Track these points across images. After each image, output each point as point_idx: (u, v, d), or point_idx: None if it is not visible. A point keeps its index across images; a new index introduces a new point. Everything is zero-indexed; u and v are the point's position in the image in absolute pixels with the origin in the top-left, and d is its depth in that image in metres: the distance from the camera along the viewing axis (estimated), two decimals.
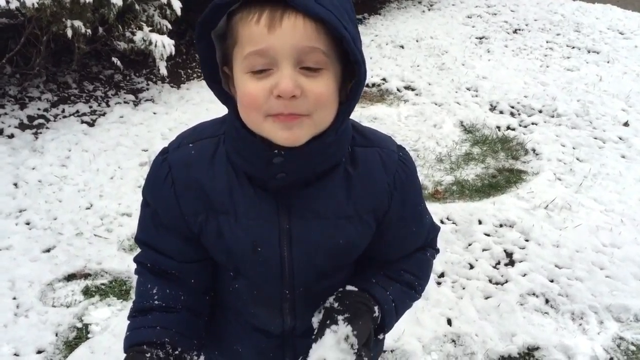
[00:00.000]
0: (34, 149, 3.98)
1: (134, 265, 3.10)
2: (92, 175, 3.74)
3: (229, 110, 1.08)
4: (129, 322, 1.22)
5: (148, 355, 1.09)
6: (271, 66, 0.94)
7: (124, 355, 1.13)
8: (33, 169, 3.75)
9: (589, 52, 6.34)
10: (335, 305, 1.15)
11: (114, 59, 4.68)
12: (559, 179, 3.95)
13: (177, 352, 1.13)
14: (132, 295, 2.84)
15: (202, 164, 1.12)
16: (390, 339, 2.61)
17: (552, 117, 4.87)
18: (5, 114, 4.41)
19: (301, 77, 0.95)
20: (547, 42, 6.56)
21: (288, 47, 0.92)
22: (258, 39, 0.93)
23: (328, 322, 1.11)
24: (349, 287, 1.20)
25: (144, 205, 1.23)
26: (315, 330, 1.12)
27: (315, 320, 1.15)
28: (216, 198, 1.12)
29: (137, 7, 4.67)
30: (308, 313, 1.19)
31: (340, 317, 1.11)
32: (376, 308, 1.18)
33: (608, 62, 6.08)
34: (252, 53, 0.94)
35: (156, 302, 1.20)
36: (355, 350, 1.06)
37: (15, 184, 3.61)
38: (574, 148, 4.37)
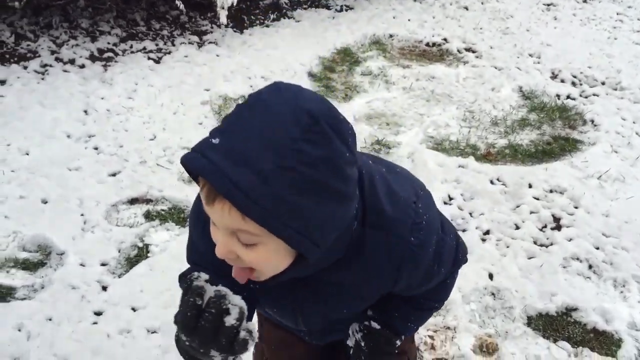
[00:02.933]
0: (103, 80, 4.16)
1: (192, 195, 3.25)
2: (156, 109, 3.90)
3: None
4: (183, 279, 1.27)
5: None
6: None
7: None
8: (102, 98, 3.93)
9: None
10: (362, 344, 1.36)
11: (178, 2, 4.79)
12: (615, 152, 3.91)
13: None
14: None
15: None
16: None
17: (615, 90, 4.77)
18: (77, 45, 4.61)
19: (236, 244, 0.95)
20: (617, 13, 6.34)
21: (221, 223, 0.93)
22: (203, 202, 0.93)
23: None
24: (374, 324, 1.35)
25: (190, 236, 1.32)
26: None
27: (349, 344, 1.40)
28: None
29: None
30: (324, 333, 1.48)
31: None
32: (398, 341, 1.38)
33: None
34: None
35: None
36: None
37: (85, 111, 3.81)
38: (634, 122, 4.29)
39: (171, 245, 2.86)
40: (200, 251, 1.25)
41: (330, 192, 0.91)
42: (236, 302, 0.91)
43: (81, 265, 2.73)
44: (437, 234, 1.21)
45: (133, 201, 3.15)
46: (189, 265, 1.34)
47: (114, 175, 3.29)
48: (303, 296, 1.22)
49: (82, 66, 4.34)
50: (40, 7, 4.84)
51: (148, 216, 3.06)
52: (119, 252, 2.82)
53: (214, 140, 0.88)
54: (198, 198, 1.25)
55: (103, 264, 2.75)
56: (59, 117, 3.69)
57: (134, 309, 2.53)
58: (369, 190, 1.06)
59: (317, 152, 0.88)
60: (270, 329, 1.70)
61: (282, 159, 0.85)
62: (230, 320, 0.89)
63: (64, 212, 2.99)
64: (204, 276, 0.95)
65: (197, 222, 1.23)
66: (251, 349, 0.94)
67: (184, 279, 1.34)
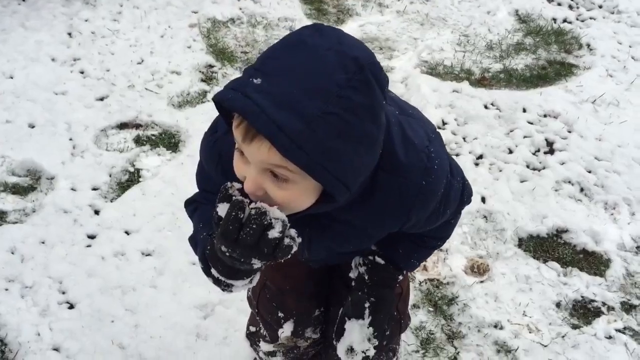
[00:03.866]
0: (87, 2, 4.00)
1: (182, 120, 3.21)
2: (143, 31, 3.78)
3: None
4: (195, 240, 1.26)
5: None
6: None
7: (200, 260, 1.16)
8: (86, 20, 3.80)
9: None
10: (366, 277, 1.40)
11: None
12: (610, 76, 3.86)
13: None
14: (181, 148, 2.98)
15: None
16: None
17: (612, 13, 4.66)
18: None
19: (267, 181, 0.94)
20: None
21: (256, 159, 0.92)
22: (237, 139, 0.93)
23: (355, 311, 1.40)
24: (378, 259, 1.39)
25: (201, 164, 1.31)
26: (347, 306, 1.44)
27: (352, 275, 1.43)
28: None
29: None
30: (325, 261, 1.50)
31: (366, 305, 1.39)
32: (400, 276, 1.43)
33: None
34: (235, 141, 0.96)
35: None
36: (376, 343, 1.39)
37: (70, 34, 3.69)
38: (630, 46, 4.22)
39: (163, 170, 2.84)
40: (215, 182, 1.23)
41: (366, 139, 0.93)
42: (277, 215, 0.93)
43: (72, 189, 2.70)
44: (446, 177, 1.23)
45: (122, 126, 3.10)
46: (189, 191, 1.38)
47: (101, 99, 3.22)
48: (312, 230, 1.24)
49: None
50: None
51: (138, 141, 3.01)
52: (110, 176, 2.79)
53: (255, 81, 0.88)
54: (211, 132, 1.24)
55: (94, 189, 2.73)
56: (42, 40, 3.57)
57: (127, 232, 2.54)
58: (385, 135, 1.05)
59: (360, 99, 0.89)
60: None
61: (327, 105, 0.86)
62: (274, 234, 0.92)
63: (52, 136, 2.94)
64: (237, 185, 0.98)
65: (211, 157, 1.23)
66: (294, 251, 0.97)
67: (192, 204, 1.36)
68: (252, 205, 0.93)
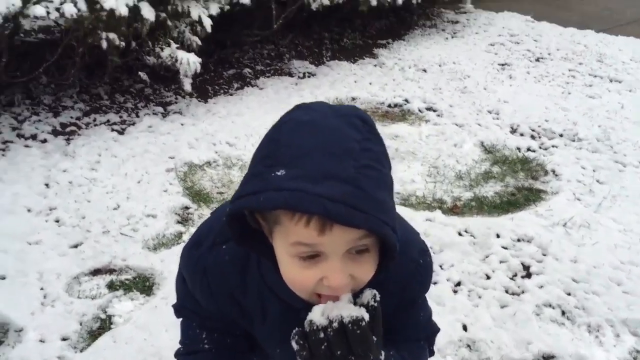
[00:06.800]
0: (66, 153, 4.12)
1: (157, 263, 3.18)
2: (120, 178, 3.86)
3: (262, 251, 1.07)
4: None
5: None
6: (320, 253, 0.95)
7: None
8: (64, 171, 3.88)
9: (611, 81, 6.38)
10: None
11: (141, 73, 4.87)
12: (578, 199, 3.97)
13: None
14: (155, 291, 2.93)
15: (235, 276, 1.18)
16: None
17: (573, 141, 4.91)
18: (40, 120, 4.59)
19: (349, 264, 0.96)
20: (569, 70, 6.61)
21: (339, 245, 0.93)
22: (308, 239, 0.92)
23: None
24: None
25: (181, 280, 1.31)
26: None
27: None
28: (248, 305, 1.21)
29: (169, 23, 4.86)
30: None
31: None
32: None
33: (630, 90, 6.11)
34: (299, 244, 0.94)
35: (206, 345, 1.31)
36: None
37: (47, 184, 3.74)
38: (594, 171, 4.39)
39: (135, 315, 2.76)
40: (198, 304, 1.27)
41: (392, 185, 0.98)
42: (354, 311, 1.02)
43: (40, 341, 2.60)
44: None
45: (96, 272, 3.05)
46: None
47: (75, 246, 3.21)
48: None
49: (44, 141, 4.31)
50: (2, 85, 4.84)
51: (111, 286, 2.96)
52: (81, 325, 2.71)
53: (279, 173, 0.88)
54: (195, 247, 1.24)
55: (64, 339, 2.63)
56: (19, 192, 3.61)
57: None
58: None
59: (379, 148, 0.95)
60: None
61: (359, 161, 0.89)
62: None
63: (22, 287, 2.88)
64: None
65: (195, 272, 1.22)
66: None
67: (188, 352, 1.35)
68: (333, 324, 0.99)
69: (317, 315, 1.01)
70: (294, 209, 0.86)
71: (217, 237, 1.21)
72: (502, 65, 6.71)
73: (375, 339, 1.04)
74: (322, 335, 0.98)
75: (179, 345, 1.38)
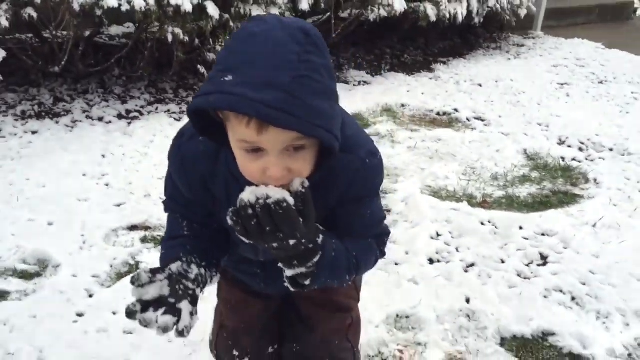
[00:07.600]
0: (125, 133, 4.51)
1: None
2: None
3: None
4: (162, 245, 1.51)
5: (183, 260, 1.33)
6: (262, 148, 1.09)
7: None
8: (120, 146, 4.26)
9: None
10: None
11: (199, 67, 5.22)
12: (614, 205, 3.91)
13: (203, 264, 1.38)
14: None
15: (207, 163, 1.37)
16: (406, 305, 2.73)
17: (623, 155, 4.81)
18: (108, 106, 5.02)
19: (286, 159, 1.10)
20: (632, 92, 6.46)
21: (275, 143, 1.07)
22: (249, 137, 1.07)
23: None
24: None
25: (169, 176, 1.50)
26: None
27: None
28: (216, 192, 1.40)
29: (231, 24, 5.21)
30: (279, 274, 1.44)
31: None
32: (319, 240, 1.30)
33: None
34: (243, 141, 1.09)
35: (185, 232, 1.49)
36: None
37: (103, 155, 4.12)
38: (638, 182, 4.30)
39: None
40: (180, 191, 1.45)
41: (333, 94, 1.10)
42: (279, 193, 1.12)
43: (73, 276, 2.88)
44: (381, 180, 1.44)
45: (132, 228, 3.34)
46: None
47: (118, 205, 3.52)
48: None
49: (109, 122, 4.72)
50: (80, 75, 5.34)
51: (144, 240, 3.22)
52: (111, 267, 2.97)
53: (227, 78, 1.02)
54: (177, 137, 1.43)
55: (94, 276, 2.90)
56: (78, 160, 4.00)
57: (114, 313, 2.65)
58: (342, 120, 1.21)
59: (319, 60, 1.06)
60: (228, 290, 1.83)
61: (296, 71, 1.01)
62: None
63: (66, 232, 3.20)
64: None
65: (175, 160, 1.41)
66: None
67: (166, 208, 1.55)
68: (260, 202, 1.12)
69: (247, 194, 1.14)
70: (235, 110, 1.02)
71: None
72: (562, 84, 6.65)
73: (303, 221, 1.15)
74: (250, 211, 1.11)
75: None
